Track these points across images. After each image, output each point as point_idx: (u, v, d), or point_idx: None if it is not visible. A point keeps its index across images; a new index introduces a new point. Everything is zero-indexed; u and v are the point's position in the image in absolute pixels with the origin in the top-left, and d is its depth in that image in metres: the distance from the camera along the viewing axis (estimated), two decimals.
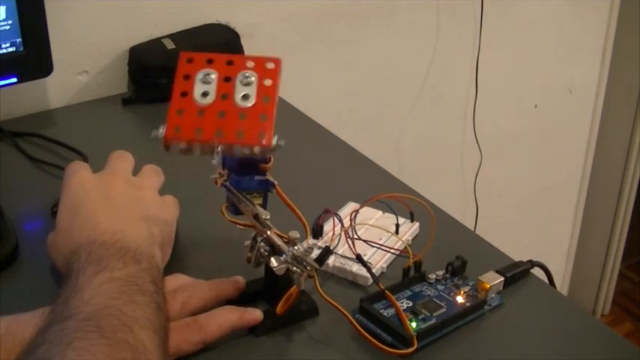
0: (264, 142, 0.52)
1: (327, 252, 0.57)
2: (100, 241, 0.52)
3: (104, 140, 0.87)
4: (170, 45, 0.98)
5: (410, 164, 1.42)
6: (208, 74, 0.54)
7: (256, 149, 0.52)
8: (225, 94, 0.53)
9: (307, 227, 0.58)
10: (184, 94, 0.53)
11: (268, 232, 0.55)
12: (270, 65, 0.54)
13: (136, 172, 0.64)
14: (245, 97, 0.53)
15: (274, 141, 0.52)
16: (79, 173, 0.61)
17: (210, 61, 0.54)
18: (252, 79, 0.54)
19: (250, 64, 0.54)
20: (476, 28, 1.36)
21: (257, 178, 0.55)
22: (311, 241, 0.65)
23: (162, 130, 0.53)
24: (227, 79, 0.54)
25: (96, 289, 0.46)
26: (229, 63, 0.54)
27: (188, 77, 0.54)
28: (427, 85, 1.36)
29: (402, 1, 1.25)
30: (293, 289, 0.56)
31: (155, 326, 0.46)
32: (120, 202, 0.58)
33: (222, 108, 0.53)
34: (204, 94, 0.53)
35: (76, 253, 0.51)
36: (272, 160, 0.55)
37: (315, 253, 0.56)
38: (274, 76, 0.54)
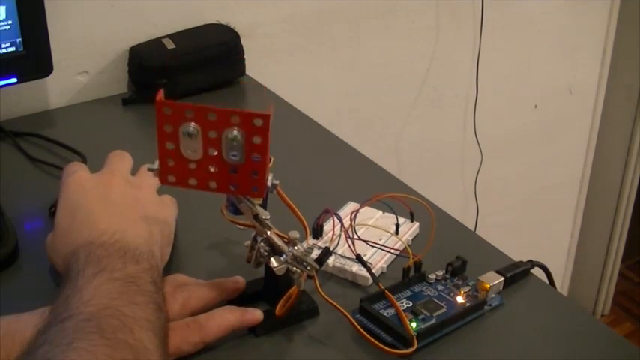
0: (257, 194, 0.53)
1: (326, 253, 0.57)
2: (99, 242, 0.52)
3: (104, 140, 0.87)
4: (170, 45, 0.98)
5: (410, 164, 1.42)
6: (191, 128, 0.50)
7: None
8: (212, 149, 0.51)
9: (307, 228, 0.58)
10: (171, 147, 0.51)
11: (268, 232, 0.55)
12: (258, 122, 0.49)
13: (134, 171, 0.64)
14: (234, 155, 0.51)
15: (269, 183, 0.53)
16: (78, 173, 0.61)
17: (190, 113, 0.50)
18: (239, 137, 0.50)
19: (235, 119, 0.50)
20: (476, 28, 1.36)
21: None
22: (311, 241, 0.65)
23: (157, 167, 0.53)
24: (212, 134, 0.50)
25: (95, 289, 0.46)
26: (212, 117, 0.50)
27: (171, 129, 0.50)
28: (427, 85, 1.36)
29: (402, 2, 1.25)
30: (293, 290, 0.56)
31: (155, 326, 0.46)
32: (119, 202, 0.58)
33: (211, 163, 0.51)
34: (191, 149, 0.51)
35: (76, 254, 0.51)
36: (272, 160, 0.55)
37: (315, 253, 0.56)
38: (263, 134, 0.50)
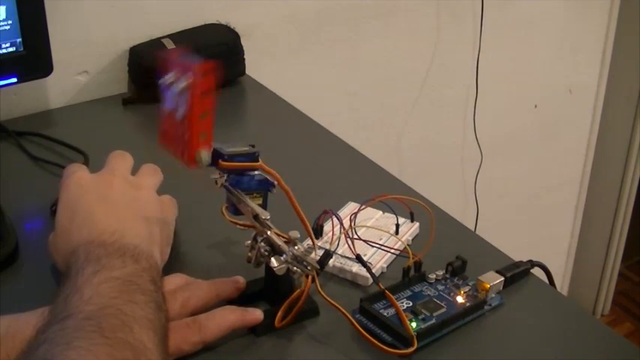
0: (192, 166, 0.53)
1: (327, 256, 0.57)
2: (99, 241, 0.52)
3: (104, 140, 0.87)
4: (170, 45, 0.98)
5: (410, 164, 1.42)
6: (168, 80, 0.52)
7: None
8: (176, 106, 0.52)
9: (310, 232, 0.58)
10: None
11: (268, 232, 0.55)
12: (187, 78, 0.49)
13: (135, 171, 0.64)
14: (179, 110, 0.51)
15: (200, 158, 0.52)
16: (77, 173, 0.61)
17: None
18: (181, 86, 0.50)
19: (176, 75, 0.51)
20: (476, 28, 1.36)
21: (257, 178, 0.56)
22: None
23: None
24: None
25: (95, 288, 0.46)
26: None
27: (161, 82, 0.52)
28: (427, 85, 1.36)
29: (402, 1, 1.25)
30: (295, 294, 0.56)
31: (155, 326, 0.46)
32: (118, 202, 0.58)
33: (173, 121, 0.52)
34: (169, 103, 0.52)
35: (75, 253, 0.51)
36: (260, 161, 0.55)
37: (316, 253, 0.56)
38: (194, 88, 0.49)
